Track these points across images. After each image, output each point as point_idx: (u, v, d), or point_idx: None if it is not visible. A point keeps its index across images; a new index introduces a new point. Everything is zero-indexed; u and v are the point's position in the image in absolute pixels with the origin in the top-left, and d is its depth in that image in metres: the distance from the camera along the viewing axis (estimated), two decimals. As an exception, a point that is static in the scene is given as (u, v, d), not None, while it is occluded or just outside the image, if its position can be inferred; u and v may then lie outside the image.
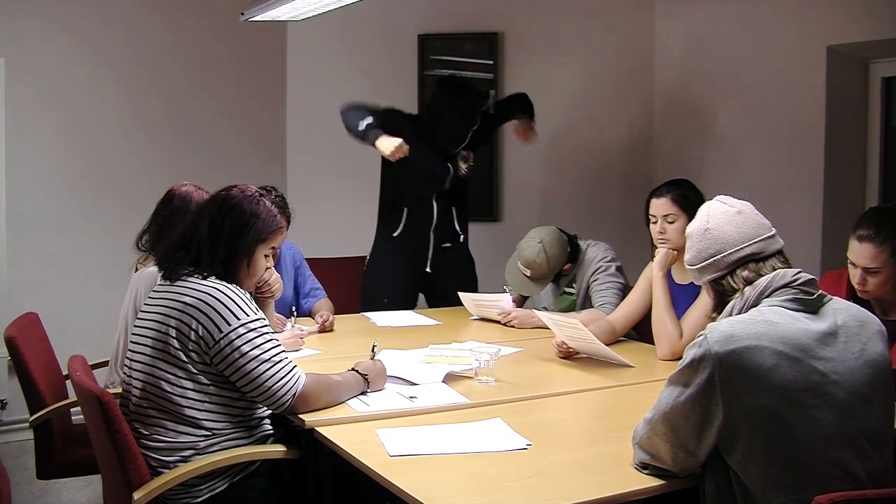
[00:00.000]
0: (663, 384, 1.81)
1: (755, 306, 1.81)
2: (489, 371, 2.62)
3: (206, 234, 2.30)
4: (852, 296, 2.51)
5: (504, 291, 3.71)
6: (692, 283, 2.94)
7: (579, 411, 2.50)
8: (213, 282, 2.24)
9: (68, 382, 2.85)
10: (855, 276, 2.50)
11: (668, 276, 3.14)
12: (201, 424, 2.20)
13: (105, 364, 3.07)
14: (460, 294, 3.89)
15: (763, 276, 1.84)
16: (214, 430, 2.21)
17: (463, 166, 4.17)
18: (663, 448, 1.79)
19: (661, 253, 3.08)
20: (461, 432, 2.14)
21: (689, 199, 3.05)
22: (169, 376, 2.19)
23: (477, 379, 2.62)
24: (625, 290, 3.45)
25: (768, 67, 4.34)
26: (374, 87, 5.06)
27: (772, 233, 1.91)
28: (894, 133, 4.22)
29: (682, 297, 3.07)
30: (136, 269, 3.01)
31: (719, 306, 1.91)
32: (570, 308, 3.62)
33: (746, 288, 1.84)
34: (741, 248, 1.87)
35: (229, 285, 2.25)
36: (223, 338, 2.17)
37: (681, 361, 1.76)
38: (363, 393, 2.42)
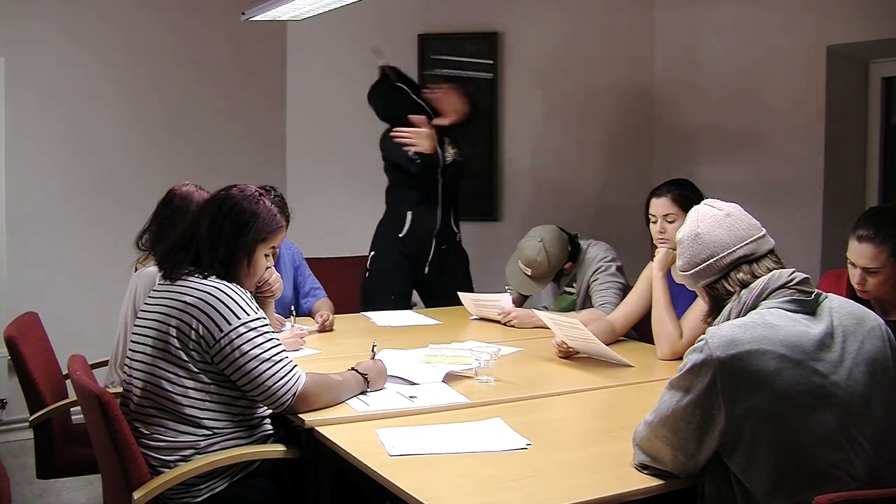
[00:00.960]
0: (664, 387, 1.81)
1: (753, 309, 1.80)
2: (489, 371, 2.62)
3: (206, 233, 2.30)
4: (852, 296, 2.50)
5: (505, 291, 3.71)
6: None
7: (579, 411, 2.50)
8: (213, 281, 2.25)
9: (68, 382, 2.85)
10: (855, 276, 2.50)
11: (667, 275, 3.15)
12: (202, 424, 2.20)
13: (105, 364, 3.08)
14: (460, 294, 3.89)
15: (758, 277, 1.84)
16: (215, 429, 2.21)
17: (449, 153, 4.16)
18: (664, 451, 1.79)
19: (660, 253, 3.08)
20: (461, 432, 2.14)
21: (689, 199, 3.04)
22: (169, 375, 2.19)
23: (477, 379, 2.62)
24: (625, 290, 3.45)
25: (768, 67, 4.34)
26: (374, 86, 5.07)
27: (762, 233, 1.91)
28: (894, 133, 4.22)
29: (681, 297, 3.07)
30: (136, 269, 3.01)
31: (715, 311, 1.91)
32: (571, 308, 3.62)
33: (742, 291, 1.84)
34: (734, 251, 1.87)
35: (230, 284, 2.25)
36: (224, 337, 2.17)
37: (681, 366, 1.76)
38: (363, 392, 2.42)
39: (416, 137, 3.96)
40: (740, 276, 1.86)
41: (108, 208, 4.64)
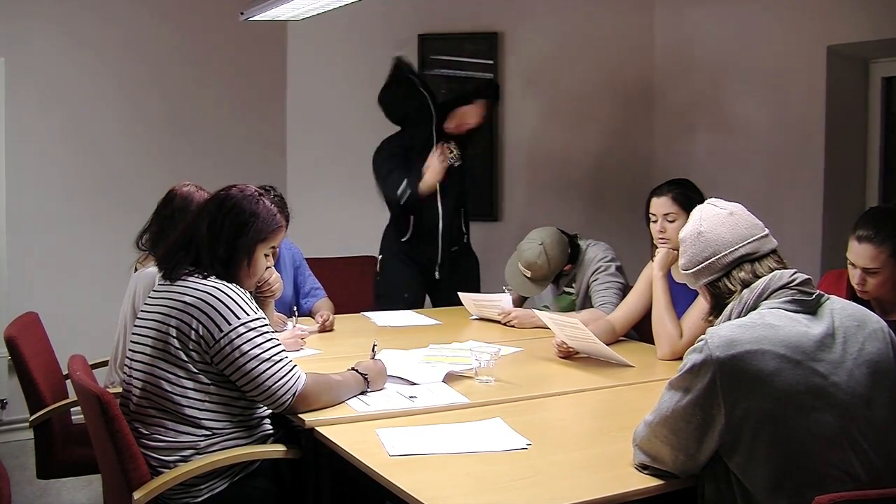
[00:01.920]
0: (664, 387, 1.81)
1: (754, 309, 1.80)
2: (489, 371, 2.62)
3: (205, 233, 2.30)
4: (852, 296, 2.50)
5: (503, 291, 3.71)
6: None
7: (579, 411, 2.50)
8: (213, 281, 2.25)
9: (68, 382, 2.85)
10: (854, 276, 2.50)
11: (667, 275, 3.15)
12: (201, 424, 2.20)
13: (105, 364, 3.08)
14: (460, 294, 3.89)
15: (759, 276, 1.84)
16: (215, 429, 2.21)
17: (451, 156, 4.16)
18: (664, 451, 1.79)
19: (661, 252, 3.08)
20: (461, 432, 2.14)
21: (689, 199, 3.04)
22: (169, 376, 2.19)
23: (477, 379, 2.62)
24: (625, 290, 3.45)
25: (768, 67, 4.34)
26: (374, 87, 5.06)
27: (765, 233, 1.91)
28: (894, 133, 4.22)
29: (681, 296, 3.07)
30: (136, 269, 3.01)
31: (716, 309, 1.91)
32: (570, 308, 3.62)
33: (744, 291, 1.84)
34: (735, 250, 1.87)
35: (229, 285, 2.25)
36: (223, 337, 2.17)
37: (681, 366, 1.76)
38: (363, 392, 2.42)
39: (429, 171, 3.97)
40: (742, 275, 1.86)
41: (108, 208, 4.64)
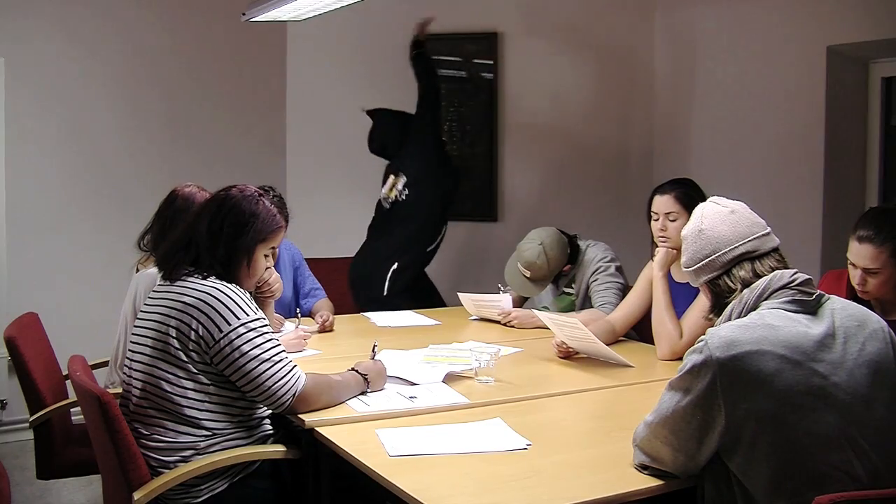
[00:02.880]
0: (664, 387, 1.81)
1: (754, 309, 1.80)
2: (489, 371, 2.62)
3: (205, 234, 2.30)
4: (852, 296, 2.50)
5: (499, 291, 3.71)
6: (692, 281, 2.95)
7: (579, 411, 2.50)
8: (213, 282, 2.25)
9: (68, 382, 2.85)
10: (855, 276, 2.49)
11: (667, 275, 3.15)
12: (201, 424, 2.20)
13: (105, 364, 3.07)
14: (459, 294, 3.89)
15: (760, 275, 1.84)
16: (215, 430, 2.21)
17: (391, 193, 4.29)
18: (664, 451, 1.79)
19: (660, 253, 3.08)
20: (461, 432, 2.14)
21: (692, 199, 3.04)
22: (169, 376, 2.19)
23: (477, 379, 2.62)
24: (624, 290, 3.45)
25: (768, 67, 4.34)
26: (374, 87, 5.07)
27: (766, 231, 1.91)
28: (894, 133, 4.22)
29: (681, 296, 3.07)
30: (137, 270, 3.01)
31: (716, 307, 1.91)
32: (570, 308, 3.62)
33: (745, 291, 1.84)
34: (736, 247, 1.87)
35: (229, 285, 2.25)
36: (223, 337, 2.17)
37: (681, 367, 1.76)
38: (363, 393, 2.42)
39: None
40: (742, 273, 1.86)
41: (108, 208, 4.64)
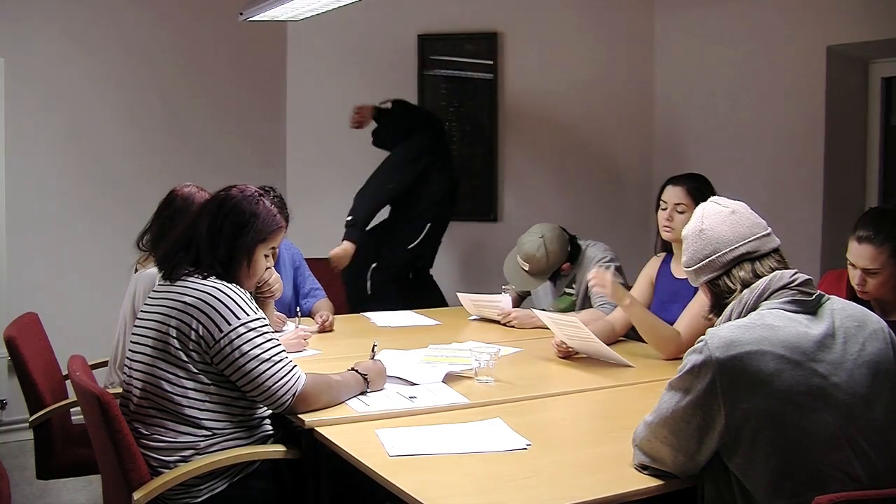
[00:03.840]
0: (664, 387, 1.81)
1: (754, 309, 1.80)
2: (489, 371, 2.62)
3: (205, 234, 2.30)
4: (852, 296, 2.50)
5: (501, 292, 3.71)
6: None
7: (579, 411, 2.50)
8: (213, 281, 2.25)
9: (68, 382, 2.85)
10: (854, 277, 2.49)
11: (667, 271, 3.16)
12: (201, 424, 2.20)
13: (105, 364, 3.07)
14: (459, 294, 3.89)
15: (760, 276, 1.84)
16: (215, 430, 2.21)
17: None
18: (664, 451, 1.79)
19: (610, 289, 2.99)
20: (461, 432, 2.14)
21: (703, 195, 3.04)
22: (169, 376, 2.19)
23: (477, 379, 2.62)
24: (624, 290, 3.45)
25: (768, 67, 4.34)
26: (374, 87, 5.07)
27: (767, 231, 1.91)
28: (894, 133, 4.22)
29: (682, 291, 3.07)
30: (137, 270, 3.01)
31: (716, 307, 1.91)
32: (570, 308, 3.62)
33: (744, 291, 1.84)
34: (736, 248, 1.87)
35: (229, 285, 2.25)
36: (223, 337, 2.17)
37: (681, 367, 1.76)
38: (363, 393, 2.42)
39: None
40: (742, 273, 1.86)
41: (108, 208, 4.64)
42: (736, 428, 1.68)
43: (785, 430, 1.67)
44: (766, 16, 4.35)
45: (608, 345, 2.94)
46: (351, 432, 2.16)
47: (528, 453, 2.01)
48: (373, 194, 4.25)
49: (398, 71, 5.09)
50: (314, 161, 5.17)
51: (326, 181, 5.12)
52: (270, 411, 2.31)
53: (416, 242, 4.35)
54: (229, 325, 2.17)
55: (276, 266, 3.26)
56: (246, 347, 2.17)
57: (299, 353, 2.98)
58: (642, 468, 1.86)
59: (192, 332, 2.17)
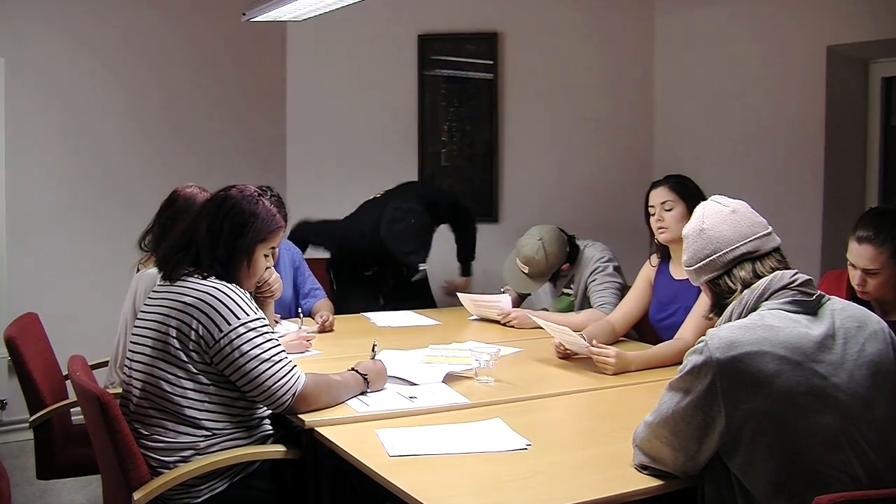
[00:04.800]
0: (664, 388, 1.80)
1: (754, 310, 1.80)
2: (489, 371, 2.62)
3: (205, 234, 2.30)
4: (852, 296, 2.50)
5: (501, 292, 3.71)
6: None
7: (579, 411, 2.50)
8: (213, 282, 2.24)
9: (68, 382, 2.85)
10: (854, 277, 2.49)
11: (665, 272, 3.17)
12: (201, 424, 2.20)
13: (105, 364, 3.07)
14: (459, 294, 3.89)
15: (760, 276, 1.84)
16: (215, 430, 2.21)
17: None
18: (664, 451, 1.79)
19: (613, 370, 2.78)
20: (461, 432, 2.14)
21: (686, 187, 3.08)
22: (169, 376, 2.19)
23: (477, 379, 2.62)
24: (623, 290, 3.45)
25: (768, 67, 4.34)
26: (374, 87, 5.07)
27: (768, 231, 1.91)
28: (894, 133, 4.22)
29: (681, 293, 3.08)
30: (138, 270, 3.01)
31: (717, 307, 1.91)
32: (569, 309, 3.62)
33: (745, 291, 1.84)
34: (737, 247, 1.87)
35: (229, 285, 2.25)
36: (223, 337, 2.17)
37: (681, 367, 1.76)
38: (363, 393, 2.42)
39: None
40: (742, 273, 1.86)
41: (108, 208, 4.64)
42: (736, 428, 1.68)
43: (785, 431, 1.67)
44: (767, 16, 4.35)
45: (609, 345, 2.94)
46: (351, 432, 2.16)
47: (528, 453, 2.01)
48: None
49: (398, 71, 5.09)
50: (314, 161, 5.17)
51: (326, 181, 5.12)
52: (270, 411, 2.31)
53: (370, 272, 4.28)
54: (229, 325, 2.17)
55: (276, 266, 3.25)
56: (246, 347, 2.17)
57: (300, 353, 2.98)
58: (642, 468, 1.86)
59: (192, 332, 2.17)
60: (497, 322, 3.62)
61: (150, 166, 4.70)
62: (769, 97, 4.36)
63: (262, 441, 2.32)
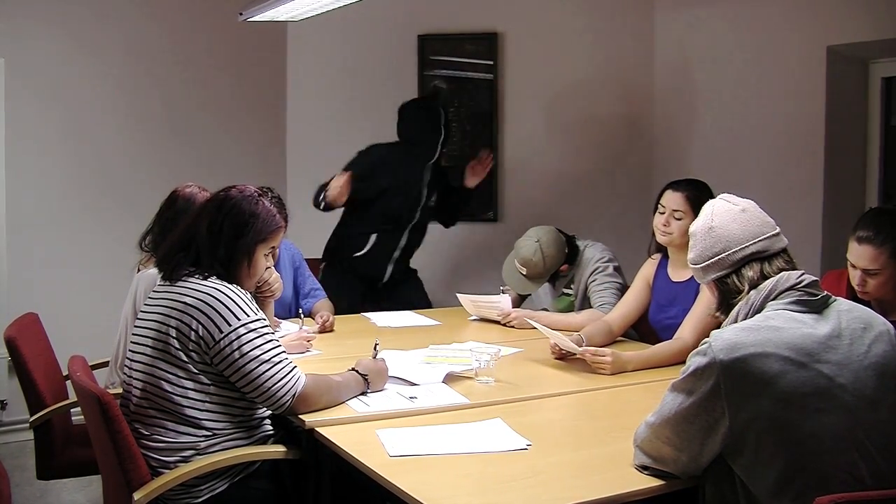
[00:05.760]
0: (665, 388, 1.80)
1: (760, 311, 1.79)
2: (489, 371, 2.62)
3: (205, 234, 2.30)
4: (852, 297, 2.49)
5: (500, 292, 3.71)
6: (690, 279, 2.95)
7: (579, 411, 2.50)
8: (213, 282, 2.25)
9: (68, 383, 2.85)
10: (855, 277, 2.49)
11: (664, 275, 3.18)
12: (202, 424, 2.20)
13: (105, 364, 3.07)
14: (459, 295, 3.89)
15: (767, 276, 1.83)
16: (215, 430, 2.21)
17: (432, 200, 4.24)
18: (666, 451, 1.78)
19: (610, 369, 2.78)
20: (461, 432, 2.14)
21: (701, 203, 3.04)
22: (169, 376, 2.19)
23: (477, 379, 2.62)
24: (623, 290, 3.45)
25: (768, 67, 4.34)
26: (374, 87, 5.07)
27: (776, 231, 1.90)
28: (894, 133, 4.22)
29: (679, 295, 3.08)
30: (139, 270, 3.01)
31: (723, 305, 1.90)
32: (569, 309, 3.62)
33: (751, 292, 1.83)
34: (746, 247, 1.86)
35: (230, 285, 2.25)
36: (223, 338, 2.17)
37: (684, 368, 1.75)
38: (363, 393, 2.42)
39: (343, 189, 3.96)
40: (750, 273, 1.85)
41: (109, 208, 4.63)
42: (740, 430, 1.67)
43: (790, 432, 1.66)
44: (767, 16, 4.35)
45: (606, 345, 2.94)
46: (351, 432, 2.16)
47: (528, 453, 2.01)
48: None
49: (398, 71, 5.08)
50: (314, 161, 5.16)
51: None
52: (270, 411, 2.31)
53: (361, 252, 4.26)
54: (229, 325, 2.17)
55: (276, 266, 3.25)
56: (246, 348, 2.17)
57: (301, 354, 2.98)
58: (643, 468, 1.86)
59: (192, 333, 2.17)
60: (497, 322, 3.62)
61: (149, 166, 4.69)
62: (769, 97, 4.35)
63: (263, 441, 2.32)
